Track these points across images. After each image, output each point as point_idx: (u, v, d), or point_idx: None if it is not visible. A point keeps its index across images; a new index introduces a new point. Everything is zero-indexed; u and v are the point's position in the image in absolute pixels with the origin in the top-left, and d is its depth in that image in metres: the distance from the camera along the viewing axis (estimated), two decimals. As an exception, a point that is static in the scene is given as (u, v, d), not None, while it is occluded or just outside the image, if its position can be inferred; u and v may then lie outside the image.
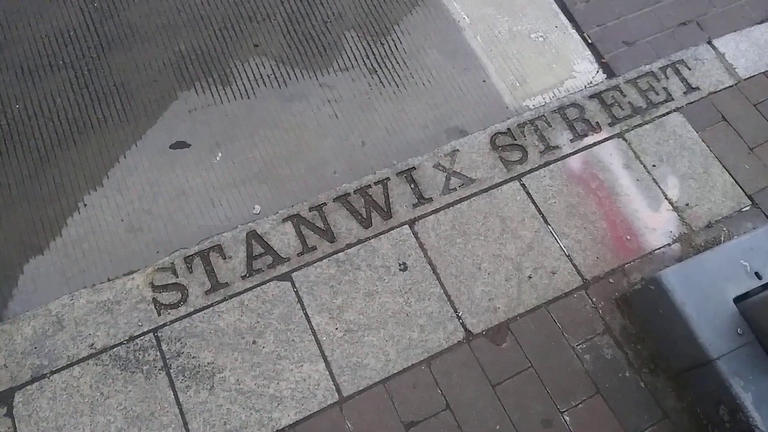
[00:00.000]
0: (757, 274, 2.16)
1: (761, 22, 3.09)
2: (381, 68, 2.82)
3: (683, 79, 2.82)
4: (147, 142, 2.52)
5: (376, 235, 2.33)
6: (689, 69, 2.85)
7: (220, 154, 2.52)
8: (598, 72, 2.88)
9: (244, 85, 2.70)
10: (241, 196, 2.43)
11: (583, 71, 2.88)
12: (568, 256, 2.38)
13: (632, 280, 2.35)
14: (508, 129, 2.63)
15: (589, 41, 2.99)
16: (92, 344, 2.08)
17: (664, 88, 2.78)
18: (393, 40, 2.90)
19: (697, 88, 2.79)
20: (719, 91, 2.80)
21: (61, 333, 2.09)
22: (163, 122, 2.57)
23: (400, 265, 2.29)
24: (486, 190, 2.48)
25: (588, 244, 2.41)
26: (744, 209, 2.53)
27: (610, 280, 2.35)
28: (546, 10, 3.07)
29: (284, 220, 2.33)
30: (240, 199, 2.42)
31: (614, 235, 2.44)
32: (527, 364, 2.17)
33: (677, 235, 2.46)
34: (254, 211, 2.39)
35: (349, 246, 2.30)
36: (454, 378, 2.13)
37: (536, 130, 2.63)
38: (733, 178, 2.59)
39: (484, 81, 2.82)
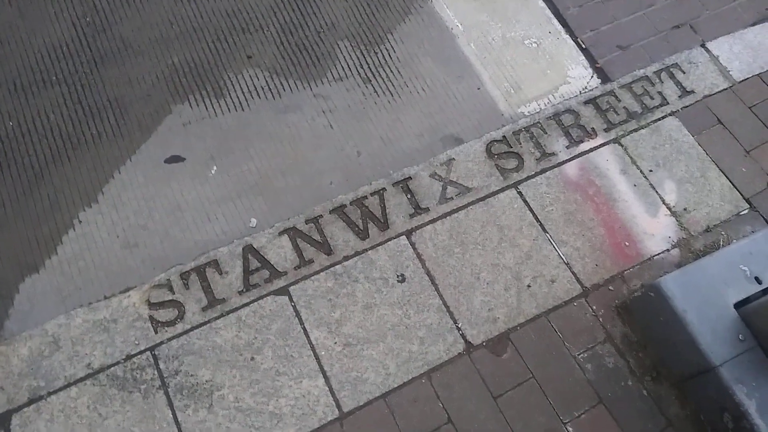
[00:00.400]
0: (757, 278, 2.15)
1: (754, 24, 3.10)
2: (375, 77, 2.82)
3: (678, 83, 2.81)
4: (141, 157, 2.50)
5: (373, 247, 2.32)
6: (684, 72, 2.85)
7: (215, 168, 2.50)
8: (592, 77, 2.88)
9: (238, 97, 2.69)
10: (237, 209, 2.41)
11: (578, 76, 2.88)
12: (566, 264, 2.37)
13: (632, 287, 2.34)
14: (504, 136, 2.62)
15: (583, 46, 2.98)
16: (89, 364, 2.06)
17: (659, 92, 2.78)
18: (387, 48, 2.90)
19: (692, 92, 2.79)
20: (714, 94, 2.80)
21: (57, 353, 2.07)
22: (158, 136, 2.56)
23: (398, 276, 2.27)
24: (483, 199, 2.47)
25: (587, 252, 2.40)
26: (742, 213, 2.52)
27: (610, 288, 2.34)
28: (539, 15, 3.06)
29: (280, 233, 2.31)
30: (236, 213, 2.40)
31: (613, 241, 2.43)
32: (528, 375, 2.16)
33: (676, 241, 2.45)
34: (250, 225, 2.37)
35: (347, 258, 2.28)
36: (455, 391, 2.12)
37: (532, 137, 2.63)
38: (731, 182, 2.58)
39: (479, 88, 2.81)
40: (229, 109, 2.66)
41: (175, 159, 2.51)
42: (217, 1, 2.96)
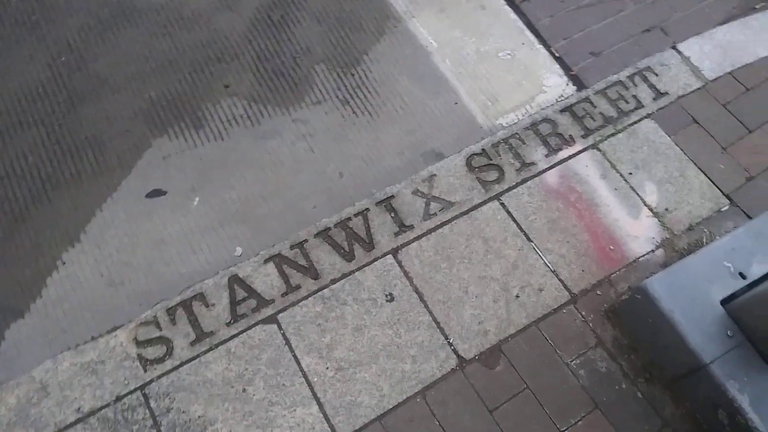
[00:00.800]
0: (741, 274, 2.17)
1: (723, 23, 3.15)
2: (353, 99, 2.84)
3: (651, 86, 2.85)
4: (122, 193, 2.50)
5: (360, 268, 2.32)
6: (656, 75, 2.89)
7: (197, 199, 2.50)
8: (567, 85, 2.92)
9: (217, 127, 2.70)
10: (221, 239, 2.41)
11: (553, 85, 2.91)
12: (553, 272, 2.38)
13: (619, 290, 2.35)
14: (483, 149, 2.64)
15: (557, 55, 3.03)
16: (79, 408, 2.03)
17: (634, 96, 2.81)
18: (363, 69, 2.93)
19: (666, 93, 2.83)
20: (688, 94, 2.84)
21: (46, 399, 2.04)
22: (138, 171, 2.55)
23: (386, 296, 2.27)
24: (466, 213, 2.49)
25: (572, 258, 2.41)
26: (723, 209, 2.55)
27: (598, 292, 2.35)
28: (511, 28, 3.11)
29: (266, 261, 2.30)
30: (220, 243, 2.40)
31: (597, 246, 2.44)
32: (523, 386, 2.15)
33: (660, 241, 2.46)
34: (235, 254, 2.36)
35: (334, 281, 2.28)
36: (450, 407, 2.11)
37: (511, 148, 2.65)
38: (710, 179, 2.61)
39: (456, 103, 2.84)
40: (208, 139, 2.66)
41: (157, 193, 2.50)
42: (192, 33, 2.98)
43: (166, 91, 2.78)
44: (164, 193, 2.51)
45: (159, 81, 2.81)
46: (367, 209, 2.46)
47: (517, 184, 2.56)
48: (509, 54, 3.02)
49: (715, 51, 3.01)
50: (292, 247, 2.34)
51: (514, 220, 2.47)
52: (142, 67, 2.85)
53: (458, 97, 2.86)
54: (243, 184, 2.56)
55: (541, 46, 3.06)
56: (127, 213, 2.44)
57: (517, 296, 2.32)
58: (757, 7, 3.25)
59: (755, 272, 2.17)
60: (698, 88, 2.87)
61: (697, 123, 2.76)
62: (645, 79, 2.88)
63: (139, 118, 2.69)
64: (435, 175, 2.57)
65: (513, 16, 3.15)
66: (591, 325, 2.28)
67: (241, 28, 3.03)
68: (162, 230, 2.41)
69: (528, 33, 3.10)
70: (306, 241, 2.36)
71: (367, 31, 3.07)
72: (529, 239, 2.44)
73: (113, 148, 2.60)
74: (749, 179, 2.63)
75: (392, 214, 2.46)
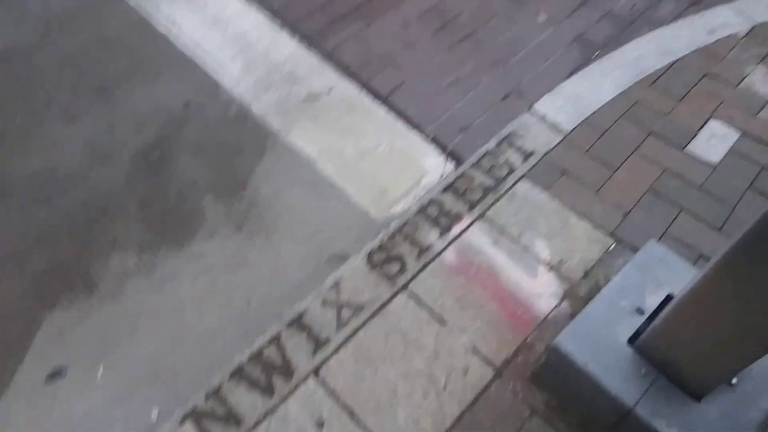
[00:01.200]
0: (638, 309, 2.29)
1: (568, 76, 3.51)
2: (247, 222, 2.87)
3: (518, 148, 3.08)
4: (19, 384, 2.33)
5: (283, 400, 2.25)
6: (521, 137, 3.13)
7: (101, 369, 2.38)
8: (446, 164, 3.10)
9: (110, 286, 2.62)
10: (133, 406, 2.28)
11: (433, 167, 3.09)
12: (473, 349, 2.42)
13: (538, 351, 2.42)
14: (381, 244, 2.71)
15: (431, 137, 3.23)
16: None
17: (505, 162, 3.02)
18: (251, 191, 2.99)
19: (533, 153, 3.06)
20: (552, 149, 3.09)
21: None
22: (32, 356, 2.41)
23: (316, 423, 2.21)
24: (378, 311, 2.51)
25: (487, 331, 2.47)
26: (610, 249, 2.73)
27: (519, 360, 2.40)
28: (384, 122, 3.30)
29: (182, 420, 2.19)
30: (133, 410, 2.27)
31: (507, 312, 2.53)
32: (470, 480, 2.12)
33: (562, 293, 2.58)
34: (152, 418, 2.24)
35: (258, 423, 2.19)
36: None
37: (406, 236, 2.74)
38: (591, 224, 2.80)
39: (347, 204, 2.93)
40: (103, 301, 2.57)
41: (57, 374, 2.36)
42: (70, 194, 2.94)
43: (50, 260, 2.69)
44: (65, 372, 2.37)
45: (42, 252, 2.72)
46: (280, 334, 2.43)
47: (419, 271, 2.63)
48: (387, 147, 3.19)
49: (567, 104, 3.32)
50: (207, 398, 2.24)
51: (425, 307, 2.52)
52: (22, 241, 2.76)
53: (348, 198, 2.96)
54: (147, 339, 2.47)
55: (415, 131, 3.26)
56: (26, 405, 2.27)
57: (446, 385, 2.32)
58: (593, 56, 3.65)
59: (650, 305, 2.29)
60: (560, 142, 3.12)
61: (567, 174, 2.98)
62: (512, 144, 3.10)
63: (26, 298, 2.57)
64: (340, 279, 2.60)
65: (383, 110, 3.36)
66: (521, 395, 2.32)
67: (119, 178, 3.03)
68: (69, 414, 2.25)
69: (400, 123, 3.30)
70: (221, 386, 2.28)
71: (248, 153, 3.16)
72: (443, 323, 2.48)
73: (1, 337, 2.45)
74: (626, 215, 2.85)
75: (306, 332, 2.44)
